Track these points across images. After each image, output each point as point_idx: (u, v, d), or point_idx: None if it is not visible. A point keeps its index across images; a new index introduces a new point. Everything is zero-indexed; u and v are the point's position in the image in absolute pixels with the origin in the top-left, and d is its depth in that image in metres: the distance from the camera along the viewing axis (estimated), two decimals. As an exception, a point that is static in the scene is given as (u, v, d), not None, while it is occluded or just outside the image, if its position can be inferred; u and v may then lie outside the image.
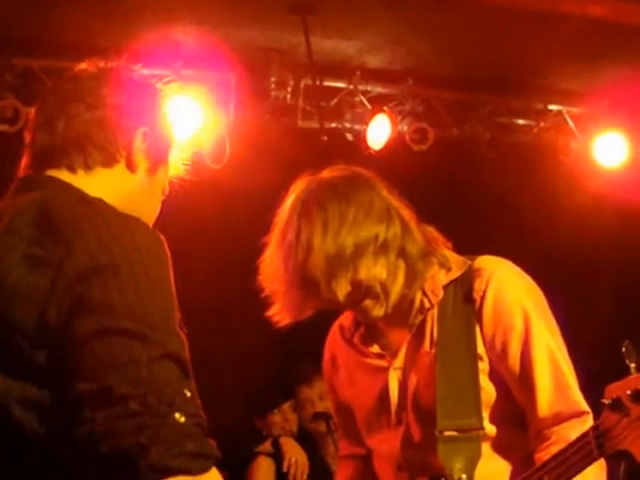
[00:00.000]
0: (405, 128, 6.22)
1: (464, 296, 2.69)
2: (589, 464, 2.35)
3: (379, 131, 6.04)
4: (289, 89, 6.03)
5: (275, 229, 2.69)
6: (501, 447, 2.66)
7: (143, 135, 2.05)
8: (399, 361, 2.74)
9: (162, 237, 1.81)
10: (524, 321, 2.64)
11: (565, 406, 2.60)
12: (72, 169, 1.99)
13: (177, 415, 1.63)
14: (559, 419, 2.60)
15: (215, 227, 5.94)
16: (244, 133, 5.89)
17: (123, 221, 1.81)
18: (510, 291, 2.67)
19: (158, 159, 2.10)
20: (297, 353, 5.31)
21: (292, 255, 2.59)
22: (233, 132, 5.85)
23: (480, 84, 6.25)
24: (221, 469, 1.69)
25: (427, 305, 2.71)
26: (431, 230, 2.77)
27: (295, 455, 5.44)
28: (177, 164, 2.23)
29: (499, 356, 2.65)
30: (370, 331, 2.83)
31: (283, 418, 5.63)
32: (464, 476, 2.57)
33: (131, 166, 2.04)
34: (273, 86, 5.97)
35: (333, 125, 6.23)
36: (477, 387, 2.63)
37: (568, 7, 5.21)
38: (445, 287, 2.72)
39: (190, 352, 1.74)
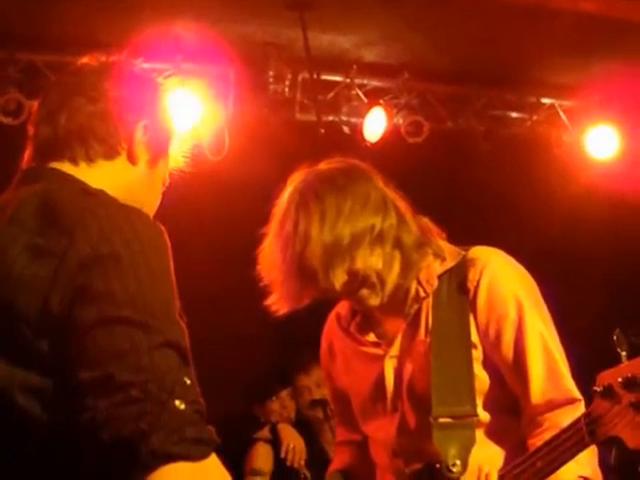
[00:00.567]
0: (401, 121, 6.25)
1: (458, 285, 2.71)
2: (581, 450, 2.37)
3: (375, 124, 6.06)
4: (287, 83, 6.05)
5: (273, 220, 2.71)
6: (495, 433, 2.69)
7: (144, 128, 2.05)
8: (395, 349, 2.76)
9: (162, 227, 1.81)
10: (517, 310, 2.66)
11: (557, 393, 2.63)
12: (74, 161, 1.99)
13: (177, 402, 1.63)
14: (551, 406, 2.62)
15: (214, 218, 5.94)
16: (243, 126, 5.90)
17: (124, 212, 1.81)
18: (504, 281, 2.69)
19: (158, 151, 2.11)
20: (295, 342, 5.30)
21: (290, 245, 2.61)
22: (232, 125, 5.86)
23: (474, 78, 6.27)
24: (220, 455, 1.69)
25: (422, 294, 2.73)
26: (426, 221, 2.80)
27: (293, 441, 5.45)
28: (177, 156, 2.23)
29: (493, 344, 2.67)
30: (366, 320, 2.85)
31: (281, 405, 5.65)
32: (458, 462, 2.59)
33: (132, 158, 2.05)
34: (271, 80, 5.99)
35: (330, 118, 6.24)
36: (471, 375, 2.65)
37: (561, 3, 5.22)
38: (440, 277, 2.74)
39: (190, 340, 1.74)
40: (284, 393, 5.69)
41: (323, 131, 5.73)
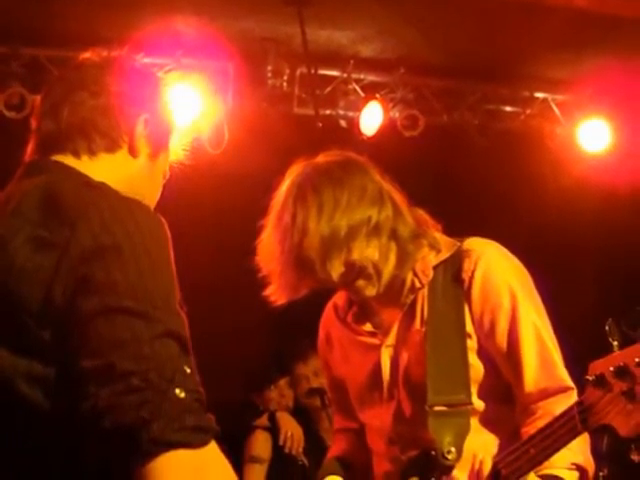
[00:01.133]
0: (397, 115, 6.28)
1: (453, 276, 2.73)
2: (574, 438, 2.39)
3: (372, 118, 6.07)
4: (285, 77, 6.07)
5: (272, 212, 2.73)
6: (489, 421, 2.71)
7: (145, 122, 2.06)
8: (391, 339, 2.79)
9: (163, 219, 1.82)
10: (511, 300, 2.68)
11: (551, 382, 2.65)
12: (76, 154, 2.00)
13: (177, 390, 1.63)
14: (545, 394, 2.64)
15: (214, 210, 5.93)
16: (242, 119, 5.91)
17: (126, 204, 1.81)
18: (498, 272, 2.71)
19: (159, 145, 2.12)
20: (293, 331, 5.29)
21: (288, 237, 2.63)
22: (231, 119, 5.87)
23: (469, 73, 6.28)
24: (220, 442, 1.69)
25: (418, 285, 2.76)
26: (422, 213, 2.82)
27: (291, 429, 5.45)
28: (177, 149, 2.24)
29: (487, 334, 2.70)
30: (363, 310, 2.87)
31: (279, 394, 5.66)
32: (453, 449, 2.62)
33: (133, 151, 2.06)
34: (270, 75, 6.01)
35: (327, 112, 6.27)
36: (466, 364, 2.68)
37: (554, -1, 5.27)
38: (435, 268, 2.76)
39: (190, 330, 1.74)
40: (282, 382, 5.70)
41: (320, 125, 5.75)
